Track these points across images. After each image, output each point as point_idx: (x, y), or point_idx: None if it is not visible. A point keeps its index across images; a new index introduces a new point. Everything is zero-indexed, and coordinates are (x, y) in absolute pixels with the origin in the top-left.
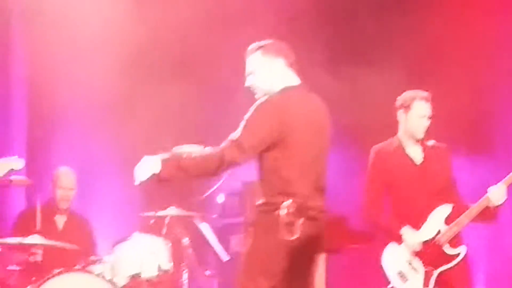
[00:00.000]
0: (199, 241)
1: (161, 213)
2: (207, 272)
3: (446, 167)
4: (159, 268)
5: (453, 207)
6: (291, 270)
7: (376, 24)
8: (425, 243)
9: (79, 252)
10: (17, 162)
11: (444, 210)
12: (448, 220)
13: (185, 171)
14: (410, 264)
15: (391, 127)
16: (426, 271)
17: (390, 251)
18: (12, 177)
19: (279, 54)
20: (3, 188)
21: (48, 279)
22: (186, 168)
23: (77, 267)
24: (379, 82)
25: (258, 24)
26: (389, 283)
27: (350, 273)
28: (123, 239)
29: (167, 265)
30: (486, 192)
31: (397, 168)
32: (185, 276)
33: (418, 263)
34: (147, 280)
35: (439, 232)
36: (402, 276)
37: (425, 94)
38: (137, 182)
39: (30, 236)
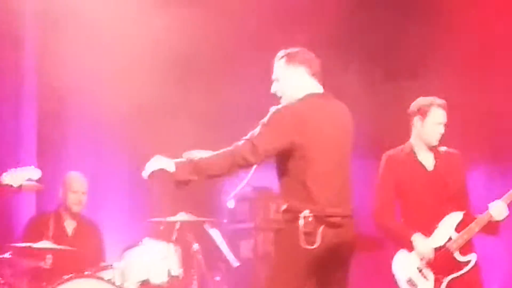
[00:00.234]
0: (209, 246)
1: (171, 218)
2: (217, 278)
3: (458, 173)
4: (169, 274)
5: (464, 215)
6: (318, 278)
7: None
8: (436, 250)
9: (89, 258)
10: (34, 172)
11: (455, 217)
12: (459, 227)
13: (199, 171)
14: (420, 271)
15: (403, 134)
16: (436, 278)
17: (401, 257)
18: (23, 183)
19: (302, 62)
20: (13, 193)
21: (58, 284)
22: (200, 168)
23: (87, 272)
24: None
25: (289, 32)
26: None
27: (360, 280)
28: (133, 245)
29: (177, 270)
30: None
31: (408, 174)
32: (195, 282)
33: (428, 270)
34: (157, 286)
35: (450, 239)
36: (412, 283)
37: (441, 101)
38: (145, 175)
39: (40, 242)
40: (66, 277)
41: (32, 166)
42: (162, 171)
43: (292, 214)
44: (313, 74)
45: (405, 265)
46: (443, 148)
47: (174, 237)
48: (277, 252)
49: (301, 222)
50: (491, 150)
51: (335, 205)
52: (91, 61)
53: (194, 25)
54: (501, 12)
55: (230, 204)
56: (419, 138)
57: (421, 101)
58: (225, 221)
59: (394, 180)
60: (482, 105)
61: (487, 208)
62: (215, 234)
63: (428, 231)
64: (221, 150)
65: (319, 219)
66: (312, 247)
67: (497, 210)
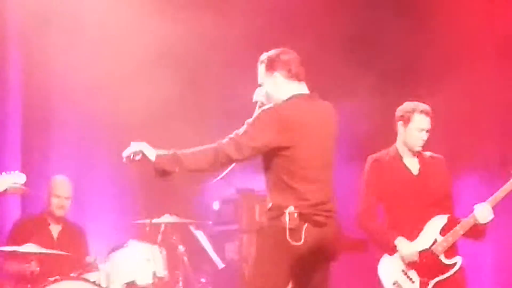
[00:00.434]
0: (194, 248)
1: (156, 220)
2: (202, 280)
3: (443, 178)
4: (154, 276)
5: (449, 218)
6: (300, 277)
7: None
8: (421, 253)
9: (74, 261)
10: (19, 177)
11: (439, 220)
12: (444, 231)
13: (179, 164)
14: (405, 274)
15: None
16: (421, 281)
17: (386, 260)
18: (8, 187)
19: (281, 67)
20: None
21: (43, 286)
22: (181, 161)
23: (72, 274)
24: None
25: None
26: None
27: (346, 282)
28: (118, 247)
29: (163, 272)
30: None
31: (393, 178)
32: (180, 283)
33: (413, 273)
34: None
35: (435, 242)
36: (397, 286)
37: (425, 107)
38: (125, 154)
39: (25, 245)
40: (51, 279)
41: (17, 171)
42: (142, 156)
43: (277, 211)
44: (293, 76)
45: (390, 268)
46: (428, 153)
47: (159, 239)
48: (260, 248)
49: (286, 218)
50: (477, 156)
51: (319, 204)
52: (77, 65)
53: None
54: (488, 17)
55: (215, 206)
56: (403, 143)
57: (404, 106)
58: (210, 223)
59: (379, 183)
60: (467, 111)
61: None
62: (200, 236)
63: (412, 235)
64: (205, 146)
65: (304, 216)
66: (298, 243)
67: (482, 212)
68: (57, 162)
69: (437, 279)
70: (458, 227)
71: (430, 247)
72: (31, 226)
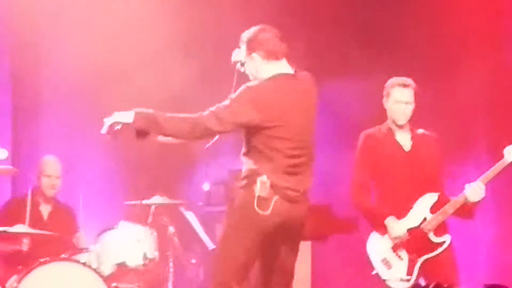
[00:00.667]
0: (185, 229)
1: (146, 201)
2: (193, 260)
3: (434, 155)
4: (145, 257)
5: (439, 196)
6: (267, 248)
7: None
8: (410, 230)
9: (64, 241)
10: (0, 153)
11: (430, 198)
12: (433, 209)
13: (157, 125)
14: (394, 251)
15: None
16: (410, 259)
17: (375, 238)
18: None
19: (259, 48)
20: None
21: (34, 268)
22: (158, 122)
23: (63, 256)
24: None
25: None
26: (373, 270)
27: (335, 261)
28: (109, 228)
29: (153, 253)
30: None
31: (385, 154)
32: (171, 264)
33: (402, 251)
34: (133, 269)
35: (424, 220)
36: (386, 263)
37: (403, 80)
38: (103, 130)
39: (15, 226)
40: (42, 260)
41: None
42: (121, 126)
43: (250, 179)
44: (272, 55)
45: (379, 245)
46: (420, 130)
47: (149, 220)
48: (230, 215)
49: (257, 185)
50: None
51: (295, 181)
52: (63, 47)
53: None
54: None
55: (206, 187)
56: (389, 118)
57: (387, 83)
58: (200, 204)
59: (371, 159)
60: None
61: (461, 192)
62: (191, 217)
63: (402, 211)
64: (186, 115)
65: (276, 189)
66: (264, 212)
67: (473, 191)
68: (47, 143)
69: (425, 256)
70: (448, 206)
71: (419, 225)
72: (21, 206)
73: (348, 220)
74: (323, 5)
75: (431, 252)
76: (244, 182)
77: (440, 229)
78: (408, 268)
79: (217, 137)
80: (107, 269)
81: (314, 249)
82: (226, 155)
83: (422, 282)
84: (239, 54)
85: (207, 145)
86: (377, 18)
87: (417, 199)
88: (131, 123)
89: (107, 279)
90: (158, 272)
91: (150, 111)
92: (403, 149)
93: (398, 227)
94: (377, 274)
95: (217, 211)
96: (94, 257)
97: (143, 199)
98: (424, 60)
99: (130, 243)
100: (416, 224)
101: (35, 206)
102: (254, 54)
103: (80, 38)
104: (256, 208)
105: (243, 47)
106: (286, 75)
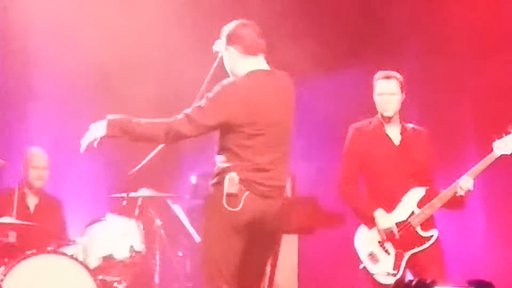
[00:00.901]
0: (172, 222)
1: (133, 194)
2: (180, 253)
3: (423, 150)
4: (132, 249)
5: (427, 190)
6: (245, 244)
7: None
8: (398, 224)
9: (51, 234)
10: None
11: (418, 192)
12: (421, 203)
13: (130, 133)
14: (381, 245)
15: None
16: (397, 253)
17: (362, 232)
18: None
19: (234, 42)
20: None
21: (20, 260)
22: (132, 128)
23: (49, 248)
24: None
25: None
26: (361, 264)
27: (322, 254)
28: (95, 221)
29: (140, 246)
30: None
31: (375, 147)
32: (157, 257)
33: (389, 245)
34: (120, 261)
35: (412, 214)
36: (373, 257)
37: (386, 72)
38: (82, 150)
39: (2, 217)
40: (28, 252)
41: None
42: (98, 140)
43: (220, 177)
44: (249, 50)
45: (366, 239)
46: (410, 125)
47: (136, 213)
48: (204, 215)
49: (225, 182)
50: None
51: (267, 176)
52: (52, 38)
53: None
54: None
55: (193, 179)
56: (378, 112)
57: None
58: (187, 196)
59: (360, 152)
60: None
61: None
62: (178, 210)
63: (391, 205)
64: (160, 120)
65: (247, 184)
66: (234, 209)
67: (461, 184)
68: (35, 134)
69: (412, 251)
70: (436, 200)
71: (407, 219)
72: (8, 198)
73: (334, 213)
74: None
75: (418, 246)
76: (214, 180)
77: (428, 223)
78: (395, 262)
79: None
80: (94, 262)
81: (301, 243)
82: (213, 148)
83: (409, 277)
84: (220, 45)
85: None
86: (370, 11)
87: (405, 193)
88: (105, 134)
89: (93, 272)
90: (145, 265)
91: (124, 117)
92: (393, 143)
93: (386, 219)
94: (364, 268)
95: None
96: (81, 250)
97: (130, 191)
98: (413, 55)
99: (117, 236)
100: (404, 218)
101: (22, 198)
102: (231, 48)
103: (70, 31)
104: (225, 205)
105: (223, 39)
106: (262, 71)
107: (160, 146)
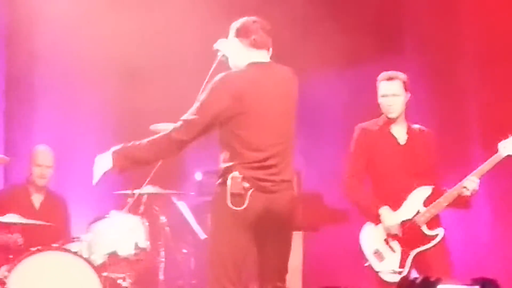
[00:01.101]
0: (177, 219)
1: (138, 191)
2: (184, 250)
3: (429, 150)
4: (136, 246)
5: (433, 189)
6: (257, 242)
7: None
8: (403, 223)
9: (56, 231)
10: None
11: (423, 191)
12: (427, 202)
13: (136, 161)
14: (387, 243)
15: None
16: (403, 251)
17: (368, 229)
18: None
19: (240, 35)
20: None
21: (25, 257)
22: (136, 158)
23: (54, 245)
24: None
25: None
26: (366, 261)
27: (327, 252)
28: (100, 218)
29: (144, 243)
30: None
31: (380, 146)
32: (162, 254)
33: (395, 243)
34: (124, 258)
35: (417, 213)
36: (378, 255)
37: (388, 73)
38: (94, 182)
39: (7, 215)
40: (33, 249)
41: None
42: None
43: (224, 176)
44: (253, 44)
45: (372, 237)
46: (416, 126)
47: (141, 210)
48: (211, 215)
49: (229, 182)
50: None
51: (269, 172)
52: (59, 36)
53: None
54: None
55: (198, 176)
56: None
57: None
58: (192, 193)
59: (366, 152)
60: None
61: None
62: (182, 207)
63: (396, 204)
64: (159, 135)
65: (250, 182)
66: (239, 208)
67: (467, 184)
68: (40, 132)
69: (418, 249)
70: (441, 199)
71: (412, 218)
72: (13, 196)
73: (339, 210)
74: None
75: (424, 245)
76: (219, 180)
77: (434, 222)
78: (401, 260)
79: None
80: (99, 259)
81: (306, 240)
82: (217, 145)
83: (415, 275)
84: (222, 43)
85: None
86: (375, 8)
87: (410, 192)
88: (112, 168)
89: (98, 269)
90: (150, 262)
91: (126, 146)
92: (398, 142)
93: (392, 217)
94: (369, 265)
95: (209, 201)
96: (86, 247)
97: (135, 188)
98: (420, 56)
99: (121, 233)
100: (409, 217)
101: (27, 195)
102: (237, 40)
103: (75, 27)
104: (230, 204)
105: (230, 33)
106: (261, 63)
107: None
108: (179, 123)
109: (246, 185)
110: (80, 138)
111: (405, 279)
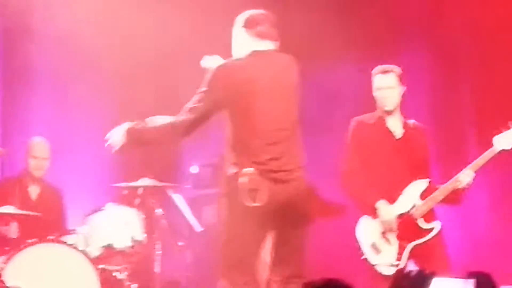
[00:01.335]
0: (172, 212)
1: (134, 183)
2: (180, 243)
3: (424, 145)
4: (132, 239)
5: (429, 183)
6: (274, 234)
7: None
8: (400, 216)
9: (52, 223)
10: None
11: (420, 185)
12: (423, 195)
13: (146, 142)
14: (384, 236)
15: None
16: (399, 244)
17: (365, 223)
18: None
19: (246, 25)
20: None
21: (21, 249)
22: (145, 139)
23: (50, 237)
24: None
25: None
26: (363, 254)
27: (324, 245)
28: (96, 210)
29: (140, 236)
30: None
31: (376, 140)
32: (158, 247)
33: (391, 236)
34: (120, 251)
35: (413, 206)
36: (375, 248)
37: (384, 67)
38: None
39: (3, 206)
40: (29, 241)
41: None
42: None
43: (235, 172)
44: (257, 33)
45: (369, 230)
46: (411, 121)
47: (137, 202)
48: (225, 214)
49: (243, 179)
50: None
51: (279, 161)
52: (55, 26)
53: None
54: None
55: (194, 169)
56: (378, 106)
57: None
58: (188, 186)
59: (362, 145)
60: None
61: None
62: (178, 200)
63: (392, 197)
64: (168, 119)
65: (263, 174)
66: (256, 204)
67: (462, 178)
68: (36, 124)
69: (414, 243)
70: (437, 192)
71: (409, 211)
72: (10, 187)
73: (334, 204)
74: None
75: (421, 238)
76: (230, 175)
77: (430, 215)
78: (398, 253)
79: None
80: (95, 251)
81: None
82: (214, 138)
83: (412, 267)
84: (209, 61)
85: None
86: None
87: (406, 186)
88: (125, 144)
89: (94, 261)
90: (145, 254)
91: (139, 125)
92: (394, 136)
93: (389, 211)
94: (366, 259)
95: (205, 194)
96: (81, 239)
97: (131, 181)
98: (415, 51)
99: (117, 225)
100: (406, 210)
101: (24, 187)
102: (242, 30)
103: (71, 17)
104: (248, 200)
105: (237, 24)
106: (262, 51)
107: None
108: (182, 110)
109: (258, 178)
110: (76, 130)
111: (400, 272)
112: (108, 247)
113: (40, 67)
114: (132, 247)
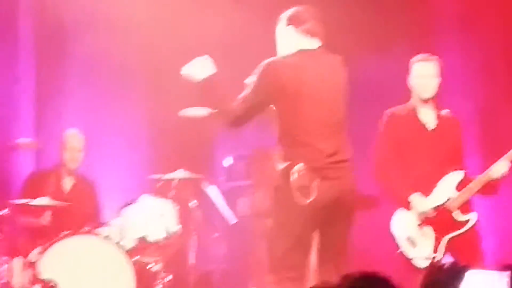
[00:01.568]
0: (207, 203)
1: (169, 175)
2: (215, 235)
3: (457, 136)
4: (167, 231)
5: (465, 174)
6: (320, 231)
7: None
8: (435, 209)
9: (86, 215)
10: None
11: (456, 176)
12: (459, 187)
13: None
14: (419, 229)
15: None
16: (435, 237)
17: (400, 216)
18: (20, 140)
19: (293, 22)
20: (11, 151)
21: (55, 241)
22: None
23: (84, 229)
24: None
25: None
26: (398, 248)
27: (359, 238)
28: (130, 202)
29: (175, 227)
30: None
31: (409, 132)
32: (192, 238)
33: (427, 229)
34: (154, 243)
35: (449, 198)
36: (411, 241)
37: (423, 55)
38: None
39: (38, 198)
40: (63, 233)
41: None
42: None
43: (287, 169)
44: (305, 30)
45: (404, 223)
46: (444, 111)
47: (171, 194)
48: (275, 209)
49: (294, 176)
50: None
51: (329, 157)
52: (90, 19)
53: None
54: None
55: (228, 161)
56: (415, 96)
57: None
58: (222, 178)
59: (395, 138)
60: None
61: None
62: (213, 192)
63: (426, 190)
64: (230, 105)
65: (313, 172)
66: (307, 200)
67: (497, 168)
68: (71, 116)
69: (450, 235)
70: (472, 184)
71: (444, 203)
72: (44, 179)
73: (371, 196)
74: None
75: (457, 230)
76: (282, 172)
77: (465, 207)
78: (434, 246)
79: None
80: (129, 243)
81: None
82: (248, 130)
83: (449, 259)
84: (190, 68)
85: None
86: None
87: (440, 178)
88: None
89: (129, 253)
90: (180, 246)
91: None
92: (426, 128)
93: (424, 203)
94: (401, 252)
95: (239, 186)
96: (116, 231)
97: (166, 173)
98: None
99: (152, 217)
100: (442, 202)
101: (58, 179)
102: (289, 28)
103: (109, 11)
104: (300, 197)
105: (282, 22)
106: (309, 50)
107: None
108: (236, 101)
109: (310, 175)
110: (111, 122)
111: (433, 265)
112: (142, 239)
113: (75, 59)
114: (167, 238)
